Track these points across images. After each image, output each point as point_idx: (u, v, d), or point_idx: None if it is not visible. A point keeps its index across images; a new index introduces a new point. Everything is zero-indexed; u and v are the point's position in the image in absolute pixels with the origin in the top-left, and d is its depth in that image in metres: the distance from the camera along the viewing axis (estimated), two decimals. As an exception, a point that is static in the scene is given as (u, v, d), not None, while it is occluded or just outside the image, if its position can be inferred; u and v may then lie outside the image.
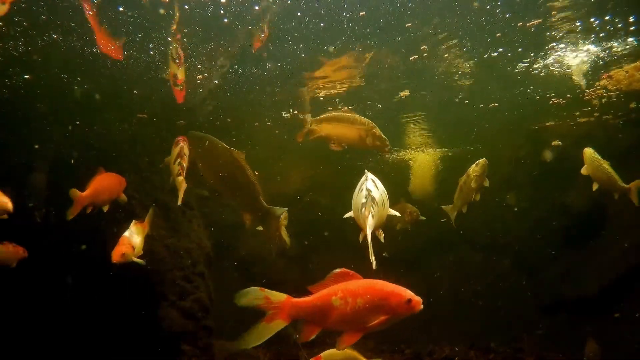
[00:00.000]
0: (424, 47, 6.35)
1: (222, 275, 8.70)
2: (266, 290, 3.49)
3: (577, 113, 8.72)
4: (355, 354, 5.12)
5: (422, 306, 3.26)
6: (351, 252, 11.47)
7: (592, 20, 5.83)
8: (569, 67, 7.23)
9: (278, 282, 9.89)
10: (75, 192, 4.82)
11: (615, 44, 6.52)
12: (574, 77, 7.53)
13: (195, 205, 7.37)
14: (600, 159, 5.93)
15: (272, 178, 10.00)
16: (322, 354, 4.95)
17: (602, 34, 6.22)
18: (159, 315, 6.23)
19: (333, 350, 5.04)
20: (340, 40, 6.08)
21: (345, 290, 3.38)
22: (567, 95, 8.15)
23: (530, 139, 10.13)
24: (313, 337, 3.44)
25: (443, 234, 10.08)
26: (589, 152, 5.96)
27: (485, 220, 10.28)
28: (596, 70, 7.33)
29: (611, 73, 7.40)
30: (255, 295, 3.48)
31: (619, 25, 5.98)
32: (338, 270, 3.48)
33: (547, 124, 9.62)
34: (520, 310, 9.24)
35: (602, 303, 8.24)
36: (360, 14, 5.50)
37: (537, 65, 7.16)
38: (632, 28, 5.99)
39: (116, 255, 4.49)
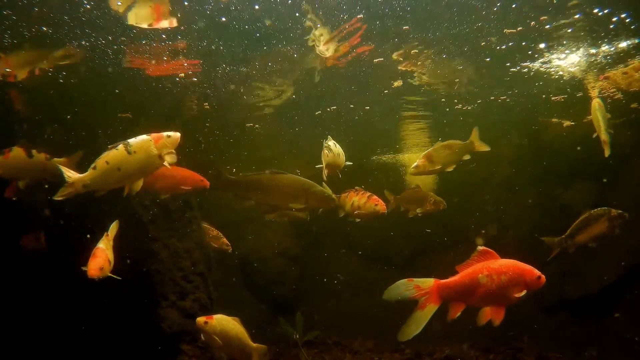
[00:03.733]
0: (414, 51, 6.39)
1: (222, 275, 8.72)
2: (414, 279, 3.69)
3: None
4: (238, 324, 5.00)
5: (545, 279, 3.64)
6: (350, 251, 11.53)
7: (589, 19, 5.83)
8: (567, 67, 7.24)
9: (278, 282, 10.01)
10: None
11: (613, 45, 6.53)
12: (573, 76, 7.54)
13: (195, 205, 7.39)
14: (599, 111, 6.21)
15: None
16: (214, 316, 4.82)
17: (598, 35, 6.23)
18: (159, 315, 6.24)
19: (223, 315, 4.93)
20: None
21: (489, 268, 3.67)
22: (578, 94, 8.13)
23: (530, 139, 10.14)
24: (459, 314, 3.71)
25: (442, 233, 10.09)
26: (595, 103, 6.28)
27: (484, 220, 10.28)
28: (594, 71, 7.34)
29: (608, 74, 7.40)
30: (405, 287, 3.69)
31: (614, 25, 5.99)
32: (481, 248, 3.77)
33: (550, 120, 9.60)
34: (520, 310, 9.23)
35: (602, 303, 8.24)
36: (358, 16, 5.52)
37: (536, 65, 7.17)
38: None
39: (94, 270, 4.22)
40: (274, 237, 10.10)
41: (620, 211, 6.37)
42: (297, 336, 8.54)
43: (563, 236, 6.53)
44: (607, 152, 6.13)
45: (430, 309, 3.66)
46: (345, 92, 7.88)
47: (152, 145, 3.93)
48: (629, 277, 8.06)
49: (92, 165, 3.96)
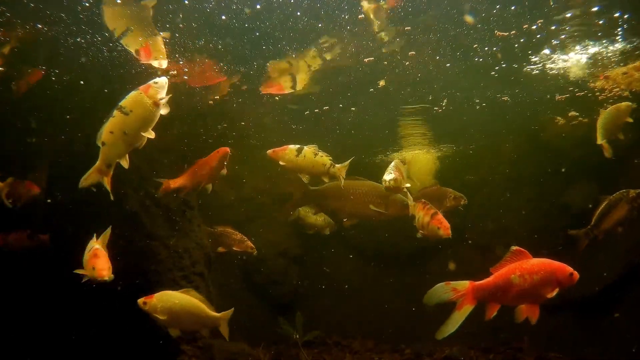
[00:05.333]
0: (412, 52, 6.37)
1: (222, 275, 8.72)
2: (451, 282, 3.96)
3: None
4: (188, 297, 4.80)
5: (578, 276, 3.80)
6: (351, 251, 11.49)
7: (591, 19, 5.83)
8: (567, 67, 7.23)
9: (278, 282, 10.00)
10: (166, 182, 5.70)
11: (614, 44, 6.53)
12: (572, 76, 7.54)
13: (195, 205, 7.39)
14: (610, 114, 6.20)
15: (271, 179, 10.00)
16: (155, 294, 4.72)
17: (600, 34, 6.23)
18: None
19: (166, 292, 4.81)
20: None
21: (521, 268, 3.86)
22: (578, 93, 8.11)
23: (529, 139, 10.14)
24: (495, 313, 3.94)
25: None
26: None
27: (484, 220, 10.28)
28: (594, 70, 7.33)
29: (608, 74, 7.39)
30: (443, 290, 3.95)
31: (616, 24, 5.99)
32: (514, 247, 3.97)
33: (548, 119, 9.58)
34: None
35: (602, 303, 8.24)
36: (359, 17, 5.51)
37: (536, 65, 7.16)
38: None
39: (105, 270, 4.27)
40: (274, 237, 10.08)
41: (638, 190, 6.29)
42: (297, 336, 8.54)
43: (589, 227, 6.48)
44: (607, 154, 6.14)
45: (467, 309, 3.88)
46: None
47: (144, 96, 3.92)
48: (629, 277, 8.05)
49: (100, 142, 3.95)
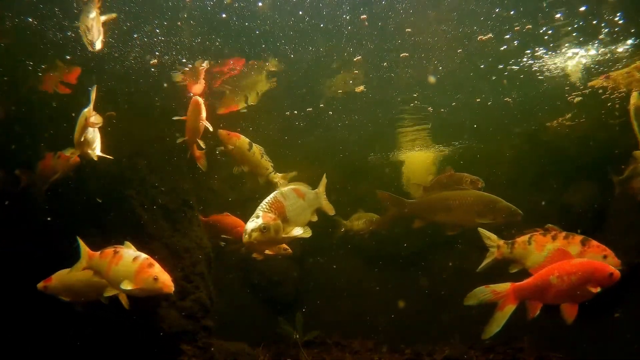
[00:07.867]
0: (404, 54, 6.37)
1: (222, 275, 8.72)
2: (490, 285, 4.13)
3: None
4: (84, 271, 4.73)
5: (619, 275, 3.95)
6: (351, 251, 11.47)
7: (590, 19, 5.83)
8: (566, 67, 7.23)
9: (278, 282, 9.99)
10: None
11: (616, 44, 6.53)
12: (573, 77, 7.54)
13: (195, 205, 7.39)
14: (634, 112, 6.01)
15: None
16: (53, 276, 4.86)
17: (602, 35, 6.23)
18: (159, 315, 6.24)
19: (62, 270, 4.89)
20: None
21: (560, 269, 4.02)
22: (584, 91, 8.09)
23: (529, 139, 10.13)
24: (538, 312, 4.12)
25: (443, 233, 10.07)
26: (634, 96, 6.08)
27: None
28: (594, 70, 7.34)
29: (609, 74, 7.39)
30: (482, 292, 4.11)
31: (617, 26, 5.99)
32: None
33: (547, 124, 9.59)
34: (520, 310, 9.20)
35: (602, 303, 8.21)
36: (362, 17, 5.52)
37: (536, 65, 7.16)
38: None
39: (172, 282, 4.39)
40: (274, 237, 10.09)
41: None
42: (297, 336, 8.54)
43: (622, 177, 6.72)
44: None
45: (509, 309, 4.05)
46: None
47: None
48: (629, 277, 8.04)
49: None
